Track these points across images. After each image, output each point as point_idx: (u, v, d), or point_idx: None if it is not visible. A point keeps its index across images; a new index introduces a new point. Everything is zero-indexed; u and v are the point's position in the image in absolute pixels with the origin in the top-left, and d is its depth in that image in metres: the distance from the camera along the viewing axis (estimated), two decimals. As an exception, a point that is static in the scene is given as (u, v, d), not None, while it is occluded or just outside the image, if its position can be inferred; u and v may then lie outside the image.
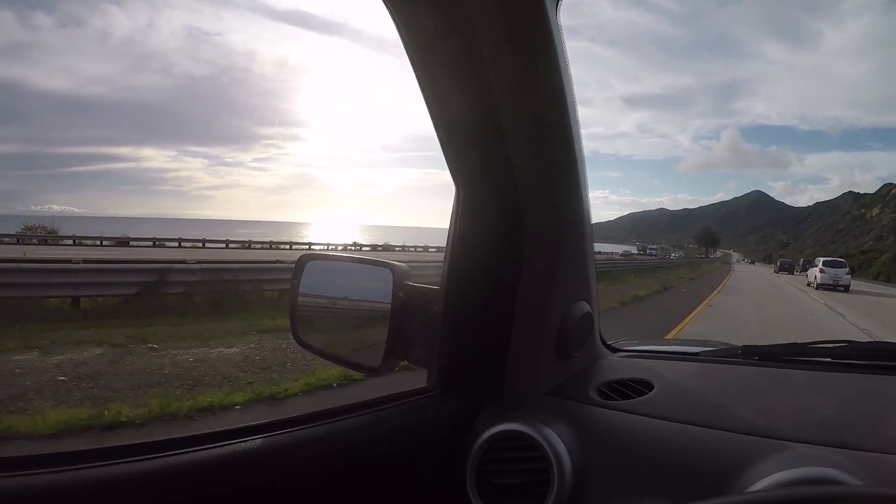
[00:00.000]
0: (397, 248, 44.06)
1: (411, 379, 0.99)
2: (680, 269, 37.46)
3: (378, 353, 0.94)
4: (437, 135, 0.85)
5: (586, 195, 0.97)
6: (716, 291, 19.50)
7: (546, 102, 0.83)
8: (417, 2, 0.71)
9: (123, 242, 33.31)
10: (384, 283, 0.94)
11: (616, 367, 1.07)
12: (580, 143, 0.90)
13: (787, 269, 48.19)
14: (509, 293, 0.93)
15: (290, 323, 1.02)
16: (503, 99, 0.79)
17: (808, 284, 26.09)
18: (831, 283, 24.41)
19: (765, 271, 51.42)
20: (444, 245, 0.95)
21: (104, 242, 32.36)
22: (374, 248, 43.45)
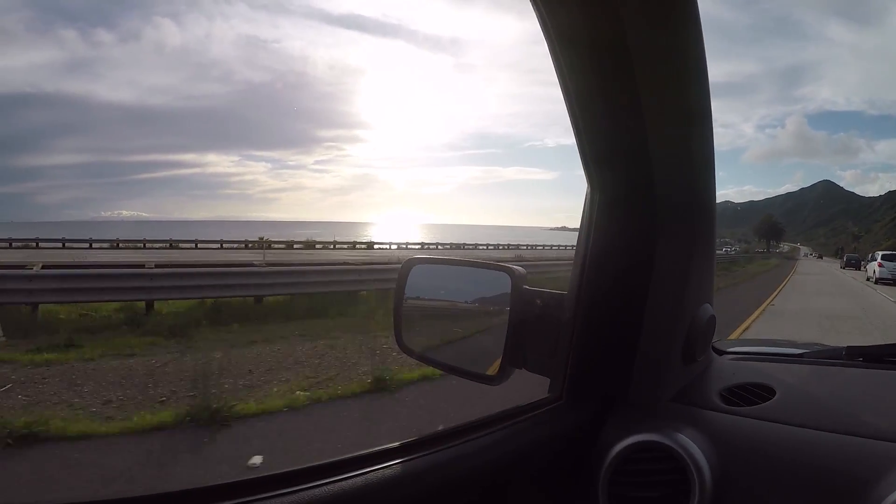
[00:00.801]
0: (469, 247, 43.15)
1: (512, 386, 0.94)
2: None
3: (491, 361, 0.90)
4: (576, 136, 0.81)
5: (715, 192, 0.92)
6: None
7: (690, 96, 0.78)
8: None
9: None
10: (499, 287, 0.90)
11: (732, 370, 1.03)
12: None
13: (854, 264, 44.77)
14: (640, 297, 0.89)
15: (394, 328, 0.99)
16: (648, 93, 0.74)
17: (868, 279, 25.45)
18: (889, 276, 23.62)
19: (832, 268, 47.65)
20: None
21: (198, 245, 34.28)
22: (438, 246, 43.51)
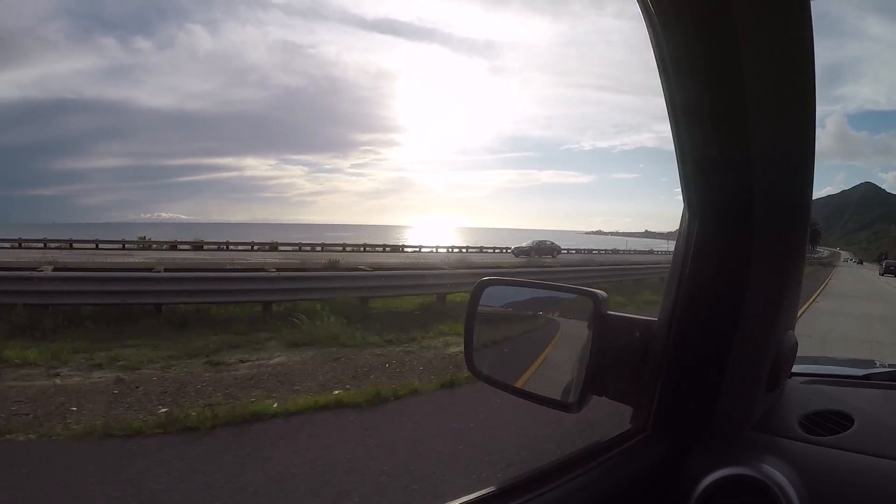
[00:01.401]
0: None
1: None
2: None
3: (567, 387, 0.87)
4: (679, 160, 0.78)
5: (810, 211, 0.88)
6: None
7: (799, 114, 0.74)
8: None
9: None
10: (579, 311, 0.87)
11: (807, 395, 1.01)
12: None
13: (893, 271, 43.71)
14: (730, 324, 0.85)
15: (465, 352, 0.96)
16: (758, 115, 0.70)
17: None
18: None
19: (871, 275, 45.38)
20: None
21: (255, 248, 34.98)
22: (481, 250, 43.07)
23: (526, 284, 1.00)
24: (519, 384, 0.95)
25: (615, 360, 0.85)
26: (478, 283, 0.95)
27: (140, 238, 34.81)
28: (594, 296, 0.85)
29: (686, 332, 0.84)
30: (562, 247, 42.21)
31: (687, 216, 0.84)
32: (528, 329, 0.98)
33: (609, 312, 0.84)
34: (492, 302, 0.95)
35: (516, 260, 31.14)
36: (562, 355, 0.92)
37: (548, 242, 39.63)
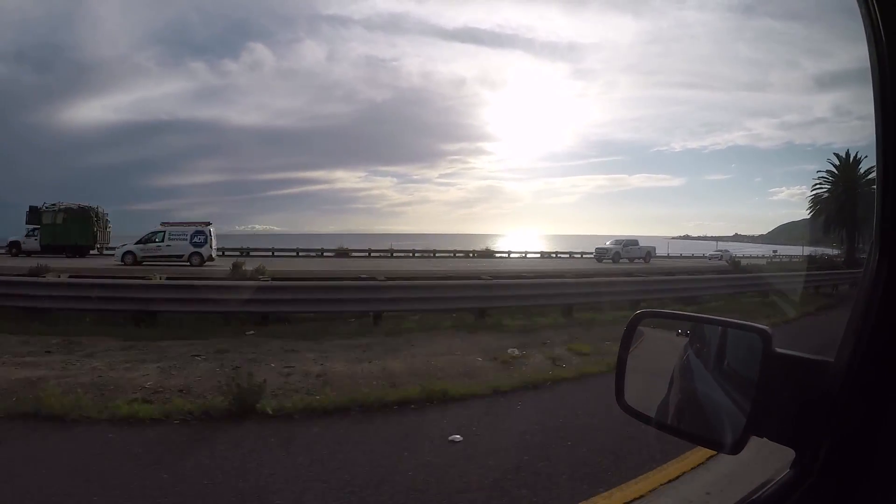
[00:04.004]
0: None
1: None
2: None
3: (721, 425, 0.85)
4: (879, 176, 0.76)
5: None
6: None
7: None
8: None
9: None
10: (743, 346, 0.85)
11: None
12: None
13: None
14: None
15: (615, 386, 0.95)
16: None
17: None
18: None
19: None
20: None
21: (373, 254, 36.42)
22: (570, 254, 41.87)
23: (684, 318, 0.99)
24: (672, 422, 0.93)
25: (781, 402, 0.82)
26: (633, 315, 0.96)
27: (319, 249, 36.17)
28: (762, 332, 0.83)
29: (870, 376, 0.80)
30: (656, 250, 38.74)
31: (877, 254, 0.80)
32: (686, 365, 0.95)
33: (777, 350, 0.82)
34: (649, 335, 0.95)
35: (600, 266, 28.96)
36: (717, 392, 0.90)
37: (637, 243, 36.16)
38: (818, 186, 38.38)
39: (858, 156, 36.11)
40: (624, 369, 0.96)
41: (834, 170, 38.23)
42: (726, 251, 42.62)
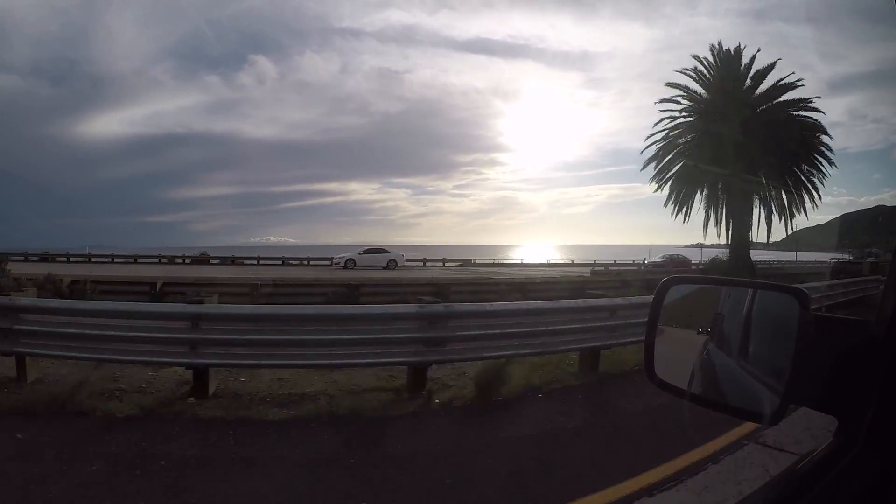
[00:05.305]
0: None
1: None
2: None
3: (761, 396, 0.80)
4: None
5: None
6: None
7: None
8: None
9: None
10: (776, 310, 0.81)
11: None
12: None
13: None
14: None
15: (645, 358, 0.91)
16: None
17: None
18: None
19: None
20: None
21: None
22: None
23: (716, 282, 0.95)
24: (706, 394, 0.88)
25: (821, 366, 0.77)
26: (662, 281, 0.92)
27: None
28: (797, 293, 0.77)
29: None
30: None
31: None
32: (719, 332, 0.90)
33: (815, 313, 0.77)
34: (678, 303, 0.91)
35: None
36: (750, 361, 0.85)
37: (679, 257, 33.59)
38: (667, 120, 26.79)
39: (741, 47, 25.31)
40: (653, 340, 0.92)
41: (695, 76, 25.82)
42: (676, 255, 34.64)
